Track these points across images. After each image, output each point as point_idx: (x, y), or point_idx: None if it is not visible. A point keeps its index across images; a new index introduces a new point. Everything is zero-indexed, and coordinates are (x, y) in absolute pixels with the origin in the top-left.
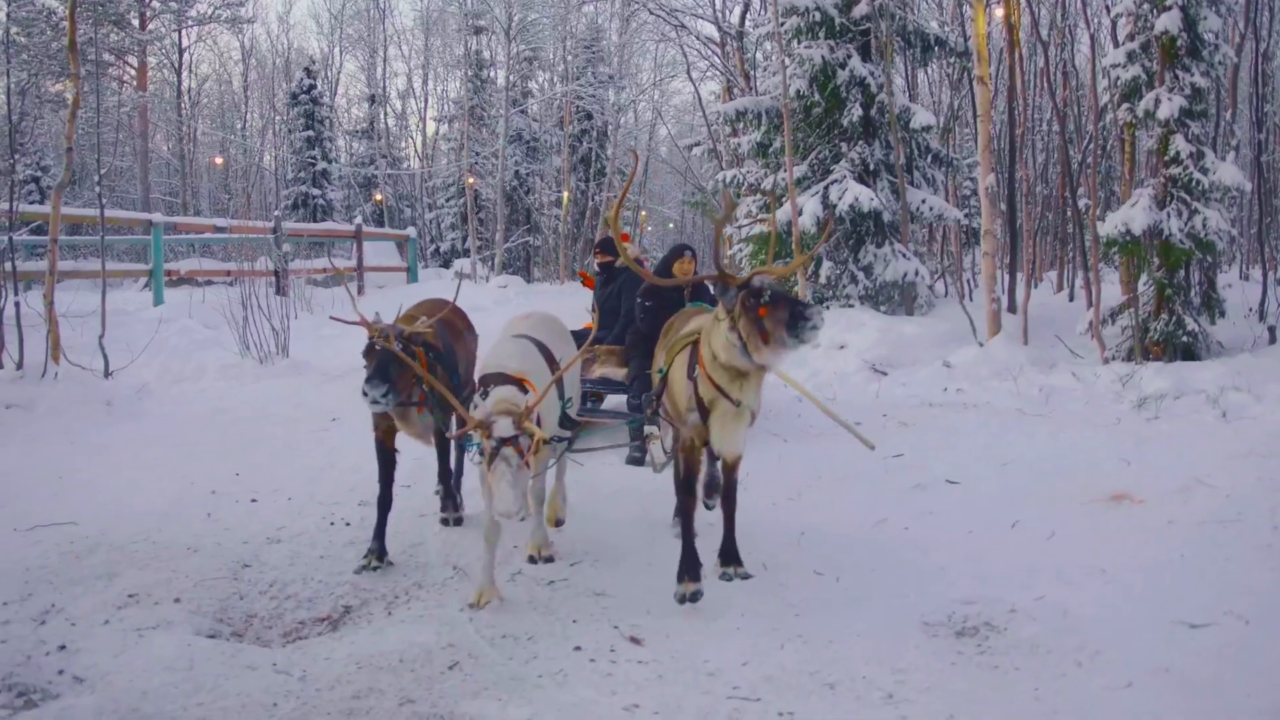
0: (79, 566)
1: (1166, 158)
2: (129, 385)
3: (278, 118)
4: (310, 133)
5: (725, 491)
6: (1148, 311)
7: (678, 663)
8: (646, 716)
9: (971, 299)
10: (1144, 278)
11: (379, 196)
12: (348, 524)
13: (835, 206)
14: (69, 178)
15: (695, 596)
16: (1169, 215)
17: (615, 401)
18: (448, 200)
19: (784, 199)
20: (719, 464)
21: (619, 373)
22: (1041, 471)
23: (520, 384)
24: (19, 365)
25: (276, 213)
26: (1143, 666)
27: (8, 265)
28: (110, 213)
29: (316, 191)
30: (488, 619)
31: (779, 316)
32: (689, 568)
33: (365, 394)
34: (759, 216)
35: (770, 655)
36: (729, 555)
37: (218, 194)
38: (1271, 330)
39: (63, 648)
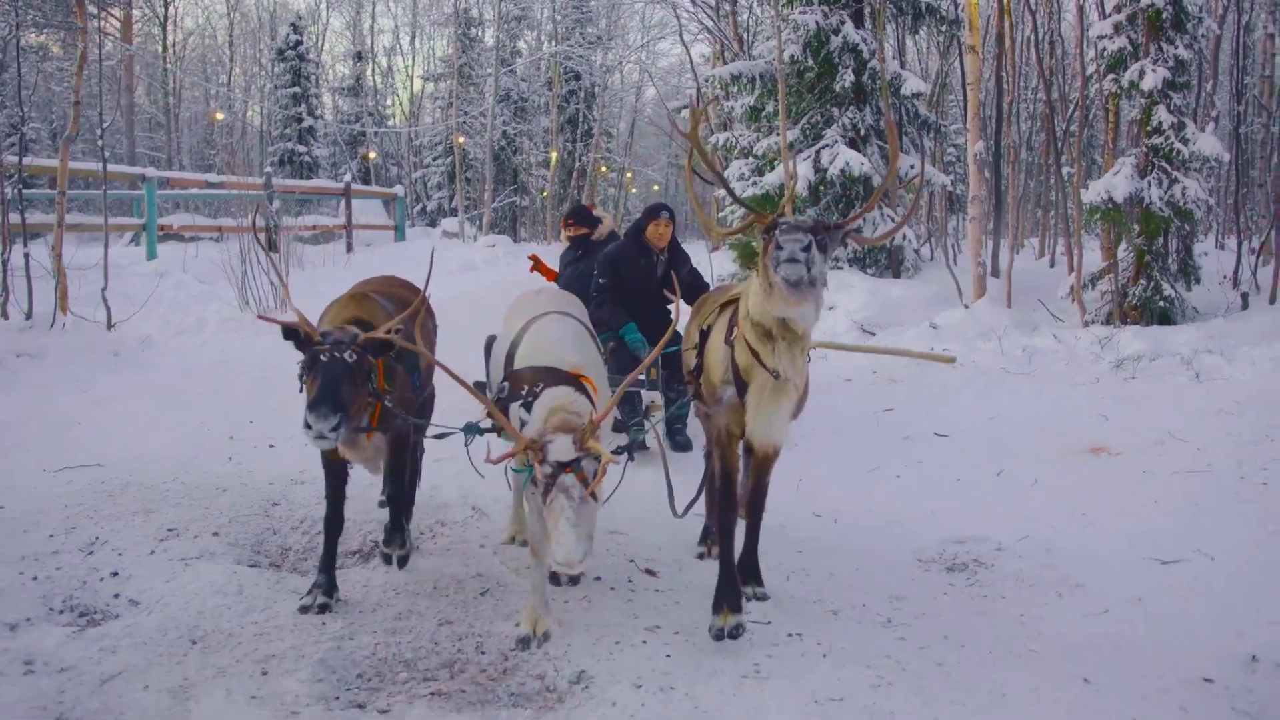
0: (115, 504)
1: (1149, 128)
2: (132, 337)
3: (263, 74)
4: (296, 89)
5: (753, 496)
6: (1127, 277)
7: (692, 592)
8: (668, 635)
9: (956, 263)
10: (1124, 244)
11: (371, 154)
12: None
13: (826, 170)
14: (76, 130)
15: (736, 632)
16: (1150, 184)
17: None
18: (434, 159)
19: (776, 163)
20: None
21: None
22: (1025, 426)
23: (578, 381)
24: (28, 315)
25: (268, 169)
26: (1118, 597)
27: (14, 216)
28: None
29: (303, 148)
30: (511, 553)
31: (771, 247)
32: (728, 595)
33: (308, 427)
34: (752, 179)
35: (777, 586)
36: (748, 571)
37: (201, 149)
38: (1244, 297)
39: (115, 574)
